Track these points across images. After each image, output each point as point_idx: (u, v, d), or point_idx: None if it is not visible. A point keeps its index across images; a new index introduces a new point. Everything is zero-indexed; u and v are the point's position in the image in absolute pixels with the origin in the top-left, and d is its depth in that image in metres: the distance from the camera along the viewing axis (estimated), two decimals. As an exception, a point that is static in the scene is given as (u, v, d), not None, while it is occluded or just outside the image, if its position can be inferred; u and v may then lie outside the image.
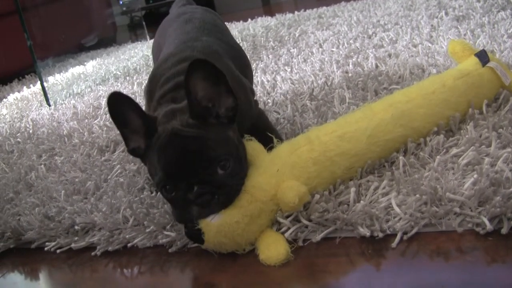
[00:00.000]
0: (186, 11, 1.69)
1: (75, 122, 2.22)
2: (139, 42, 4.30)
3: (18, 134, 2.25)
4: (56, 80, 3.24)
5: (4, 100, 3.29)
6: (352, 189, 1.10)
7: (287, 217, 1.10)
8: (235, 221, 1.06)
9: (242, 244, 1.08)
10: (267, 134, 1.23)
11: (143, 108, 1.16)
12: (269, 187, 1.09)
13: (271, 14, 4.07)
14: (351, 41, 2.46)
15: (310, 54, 2.41)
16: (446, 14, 2.54)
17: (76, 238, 1.28)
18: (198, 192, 1.05)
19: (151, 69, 2.96)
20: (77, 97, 2.82)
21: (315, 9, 3.75)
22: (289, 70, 2.20)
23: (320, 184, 1.14)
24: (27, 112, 2.73)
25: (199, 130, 1.08)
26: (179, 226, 1.18)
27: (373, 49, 2.20)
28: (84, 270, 1.20)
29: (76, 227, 1.29)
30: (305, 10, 3.79)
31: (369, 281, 0.93)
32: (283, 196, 1.07)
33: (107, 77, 3.14)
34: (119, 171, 1.54)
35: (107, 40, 4.44)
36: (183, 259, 1.13)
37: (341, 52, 2.28)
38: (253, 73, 2.25)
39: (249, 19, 4.01)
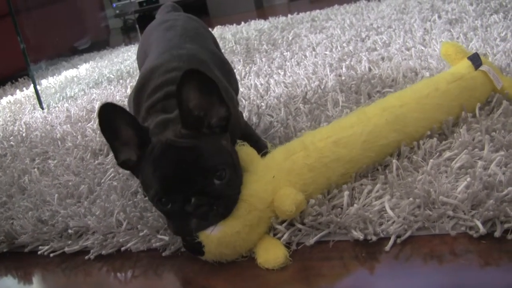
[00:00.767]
0: (169, 19, 1.66)
1: (68, 125, 2.22)
2: (133, 45, 4.29)
3: (11, 137, 2.25)
4: (49, 83, 3.23)
5: (-3, 103, 3.29)
6: (346, 193, 1.10)
7: (282, 223, 1.09)
8: (236, 231, 1.04)
9: (243, 252, 1.07)
10: (257, 142, 1.23)
11: None
12: (266, 194, 1.08)
13: (265, 17, 4.07)
14: (344, 44, 2.46)
15: (303, 57, 2.41)
16: (439, 17, 2.55)
17: (69, 242, 1.28)
18: (196, 204, 1.03)
19: (144, 72, 2.97)
20: (71, 100, 2.82)
21: (308, 12, 3.75)
22: (282, 73, 2.20)
23: (316, 190, 1.14)
24: (20, 116, 2.73)
25: (193, 140, 1.07)
26: (172, 230, 1.18)
27: (366, 52, 2.21)
28: (77, 274, 1.19)
29: (69, 231, 1.29)
30: (298, 13, 3.80)
31: (362, 285, 0.94)
32: (280, 204, 1.06)
33: (100, 80, 3.14)
34: (112, 174, 1.54)
35: (100, 43, 4.43)
36: (177, 263, 1.13)
37: (334, 55, 2.29)
38: (247, 76, 2.25)
39: (243, 22, 4.01)
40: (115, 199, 1.35)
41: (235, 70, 1.81)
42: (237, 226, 1.05)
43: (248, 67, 2.44)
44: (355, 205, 1.07)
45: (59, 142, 2.00)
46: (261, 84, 2.09)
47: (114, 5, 5.55)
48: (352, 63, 2.08)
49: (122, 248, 1.21)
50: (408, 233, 1.00)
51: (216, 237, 1.04)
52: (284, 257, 1.03)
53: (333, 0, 4.05)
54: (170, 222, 1.08)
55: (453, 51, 1.49)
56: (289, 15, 3.81)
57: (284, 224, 1.09)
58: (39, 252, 1.29)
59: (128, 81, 2.87)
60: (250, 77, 2.25)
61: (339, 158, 1.16)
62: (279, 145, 1.28)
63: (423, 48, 2.07)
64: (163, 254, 1.15)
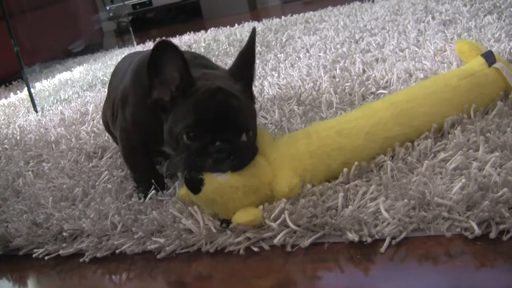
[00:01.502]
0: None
1: (62, 128, 2.21)
2: (126, 48, 4.29)
3: (6, 140, 2.24)
4: (43, 86, 3.22)
5: (-9, 106, 3.28)
6: (340, 194, 1.10)
7: (275, 220, 1.10)
8: (236, 186, 1.12)
9: (229, 211, 1.14)
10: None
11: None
12: (268, 172, 1.17)
13: (258, 19, 4.07)
14: (338, 46, 2.46)
15: (297, 59, 2.41)
16: (433, 18, 2.55)
17: (64, 245, 1.27)
18: (218, 148, 1.12)
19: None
20: (64, 103, 2.82)
21: (302, 14, 3.75)
22: (276, 75, 2.20)
23: (315, 177, 1.19)
24: (14, 119, 2.72)
25: (241, 94, 1.20)
26: (168, 232, 1.17)
27: (360, 54, 2.21)
28: (72, 277, 1.19)
29: (64, 234, 1.29)
30: (292, 15, 3.80)
31: (357, 286, 0.94)
32: (276, 184, 1.15)
33: (94, 83, 3.14)
34: (107, 177, 1.53)
35: (94, 46, 4.43)
36: (171, 265, 1.13)
37: (328, 57, 2.29)
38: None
39: (236, 24, 4.01)
40: (109, 202, 1.35)
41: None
42: (239, 182, 1.13)
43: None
44: (349, 206, 1.07)
45: (53, 145, 2.00)
46: (255, 86, 2.09)
47: (108, 8, 5.54)
48: (346, 64, 2.08)
49: (117, 251, 1.21)
50: (403, 235, 1.00)
51: (218, 182, 1.12)
52: (257, 216, 1.11)
53: (326, 2, 4.05)
54: (184, 156, 1.15)
55: (468, 49, 1.52)
56: (283, 17, 3.81)
57: (277, 222, 1.09)
58: (34, 255, 1.28)
59: (122, 83, 2.86)
60: (244, 79, 2.24)
61: (341, 147, 1.21)
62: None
63: (417, 49, 2.07)
64: (158, 256, 1.15)
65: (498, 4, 2.51)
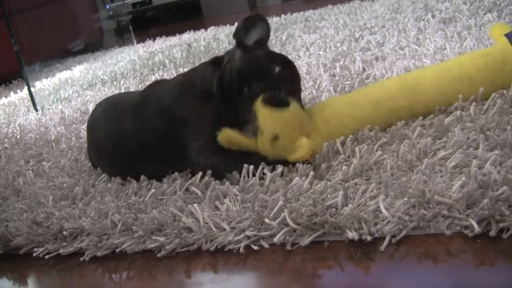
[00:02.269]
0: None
1: (62, 127, 2.21)
2: (126, 47, 4.28)
3: (6, 139, 2.24)
4: (43, 85, 3.23)
5: (-9, 105, 3.28)
6: (340, 193, 1.10)
7: (275, 219, 1.10)
8: (306, 116, 1.32)
9: (293, 142, 1.27)
10: None
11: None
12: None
13: (258, 17, 4.06)
14: (338, 44, 2.47)
15: (297, 57, 2.41)
16: (433, 16, 2.55)
17: (64, 244, 1.27)
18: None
19: (138, 73, 2.97)
20: (64, 102, 2.82)
21: (302, 13, 3.76)
22: (276, 73, 2.19)
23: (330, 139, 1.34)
24: (14, 118, 2.72)
25: None
26: (168, 231, 1.18)
27: (360, 52, 2.21)
28: (72, 276, 1.19)
29: (64, 233, 1.29)
30: (292, 14, 3.80)
31: (357, 285, 0.94)
32: (297, 147, 1.26)
33: (94, 81, 3.14)
34: (107, 176, 1.53)
35: (94, 44, 4.42)
36: (171, 264, 1.13)
37: (328, 55, 2.29)
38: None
39: (236, 23, 4.00)
40: (109, 201, 1.35)
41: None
42: (305, 115, 1.33)
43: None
44: (349, 205, 1.07)
45: (53, 144, 2.00)
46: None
47: (108, 6, 5.53)
48: (346, 63, 2.08)
49: (117, 250, 1.21)
50: (403, 233, 1.00)
51: (297, 107, 1.29)
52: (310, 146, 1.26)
53: (327, 0, 4.05)
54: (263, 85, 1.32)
55: (498, 31, 1.54)
56: (283, 15, 3.81)
57: (277, 221, 1.09)
58: (34, 254, 1.29)
59: (121, 82, 2.86)
60: (244, 78, 2.24)
61: (351, 115, 1.36)
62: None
63: (417, 47, 2.07)
64: (158, 255, 1.15)
65: (498, 2, 2.51)
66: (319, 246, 1.05)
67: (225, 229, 1.14)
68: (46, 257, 1.27)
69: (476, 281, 0.87)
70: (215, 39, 3.45)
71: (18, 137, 2.23)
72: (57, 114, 2.50)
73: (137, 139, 1.45)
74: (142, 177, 1.42)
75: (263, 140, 1.27)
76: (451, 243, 0.95)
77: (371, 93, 1.39)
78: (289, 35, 3.00)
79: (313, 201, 1.09)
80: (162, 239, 1.17)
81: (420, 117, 1.37)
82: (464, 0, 2.74)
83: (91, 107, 2.40)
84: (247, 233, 1.11)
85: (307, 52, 2.45)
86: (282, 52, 2.54)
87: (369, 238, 1.00)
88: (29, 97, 2.85)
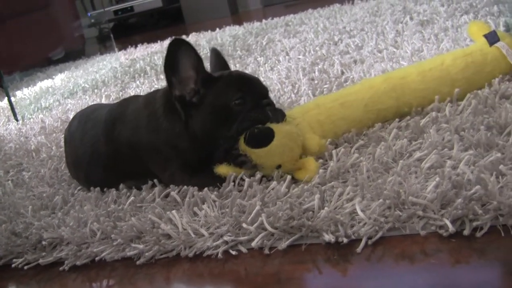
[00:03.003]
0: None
1: (43, 136, 2.21)
2: (108, 54, 4.28)
3: (-15, 150, 2.23)
4: (24, 94, 3.22)
5: (-28, 116, 3.26)
6: (317, 196, 1.11)
7: (253, 223, 1.10)
8: (297, 132, 1.28)
9: (295, 157, 1.27)
10: None
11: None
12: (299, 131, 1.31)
13: (240, 22, 4.08)
14: (317, 48, 2.48)
15: (277, 62, 2.43)
16: (411, 19, 2.57)
17: (43, 254, 1.27)
18: (268, 102, 1.32)
19: (119, 81, 2.97)
20: (45, 111, 2.81)
21: (282, 17, 3.77)
22: (256, 78, 2.20)
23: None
24: (-6, 128, 2.71)
25: None
26: (147, 238, 1.18)
27: (339, 56, 2.22)
28: (52, 286, 1.19)
29: (43, 243, 1.28)
30: (272, 18, 3.81)
31: (335, 287, 0.94)
32: (307, 143, 1.29)
33: (75, 90, 3.13)
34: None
35: (75, 52, 4.41)
36: (151, 271, 1.13)
37: (307, 59, 2.30)
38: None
39: (217, 29, 4.02)
40: (88, 209, 1.35)
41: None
42: (293, 128, 1.29)
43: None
44: (326, 208, 1.08)
45: (34, 154, 2.00)
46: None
47: (89, 14, 5.52)
48: (325, 66, 2.09)
49: (97, 258, 1.21)
50: (379, 234, 1.01)
51: (285, 128, 1.27)
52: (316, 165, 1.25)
53: (307, 4, 4.06)
54: (244, 115, 1.28)
55: (476, 30, 1.59)
56: (264, 20, 3.83)
57: (255, 225, 1.10)
58: (13, 265, 1.28)
59: (103, 90, 2.86)
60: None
61: (344, 117, 1.39)
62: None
63: (395, 50, 2.09)
64: (138, 262, 1.15)
65: (474, 4, 2.53)
66: (296, 249, 1.05)
67: (203, 235, 1.14)
68: (26, 267, 1.26)
69: (451, 280, 0.88)
70: (197, 45, 3.44)
71: (-2, 147, 2.22)
72: (38, 123, 2.49)
73: (112, 158, 1.46)
74: (121, 185, 1.42)
75: (267, 172, 1.28)
76: (427, 243, 0.96)
77: (361, 94, 1.42)
78: (269, 40, 3.01)
79: (290, 205, 1.10)
80: (141, 246, 1.17)
81: (396, 119, 1.38)
82: (441, 2, 2.76)
83: (71, 116, 2.39)
84: (225, 238, 1.11)
85: (286, 57, 2.46)
86: (262, 57, 2.55)
87: (345, 240, 1.01)
88: (9, 107, 2.84)
